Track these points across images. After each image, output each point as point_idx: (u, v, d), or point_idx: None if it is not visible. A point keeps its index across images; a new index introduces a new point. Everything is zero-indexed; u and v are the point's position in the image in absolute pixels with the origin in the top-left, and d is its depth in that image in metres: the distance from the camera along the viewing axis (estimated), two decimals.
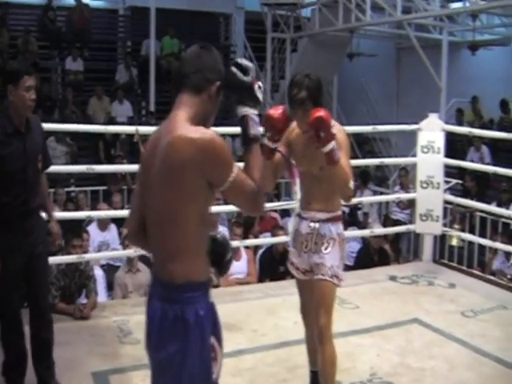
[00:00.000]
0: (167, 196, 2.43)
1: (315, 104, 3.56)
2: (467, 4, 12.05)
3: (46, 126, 9.62)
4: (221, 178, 2.41)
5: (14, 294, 4.07)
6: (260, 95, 2.56)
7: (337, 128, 3.59)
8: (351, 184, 3.53)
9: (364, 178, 11.10)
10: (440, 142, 7.14)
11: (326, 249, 3.77)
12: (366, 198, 9.95)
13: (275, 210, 8.99)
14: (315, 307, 3.82)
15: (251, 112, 2.55)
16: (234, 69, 2.55)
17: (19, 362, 4.14)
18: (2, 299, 4.01)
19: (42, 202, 4.24)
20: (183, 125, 2.45)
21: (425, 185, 7.18)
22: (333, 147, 3.41)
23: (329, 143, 3.40)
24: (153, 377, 2.59)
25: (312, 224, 3.81)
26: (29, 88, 3.91)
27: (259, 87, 2.56)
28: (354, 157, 15.35)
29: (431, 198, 7.15)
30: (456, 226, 8.13)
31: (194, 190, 2.42)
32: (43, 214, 4.37)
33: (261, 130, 2.63)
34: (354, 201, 9.90)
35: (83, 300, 5.90)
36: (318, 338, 3.80)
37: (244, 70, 2.55)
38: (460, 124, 12.67)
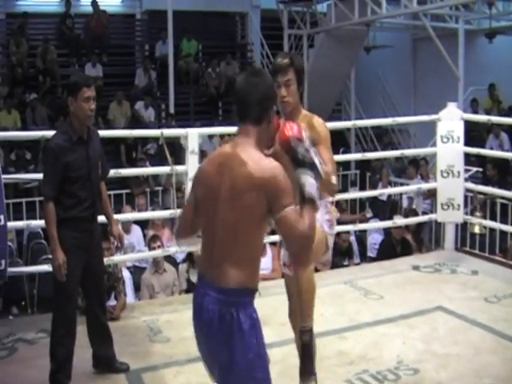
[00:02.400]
0: (238, 216, 2.70)
1: (298, 81, 3.56)
2: None
3: None
4: (280, 205, 2.65)
5: (75, 287, 4.36)
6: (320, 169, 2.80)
7: (317, 122, 3.61)
8: (333, 179, 3.42)
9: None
10: (459, 131, 7.18)
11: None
12: (383, 190, 9.99)
13: None
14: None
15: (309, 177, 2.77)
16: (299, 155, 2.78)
17: (65, 364, 4.35)
18: (66, 294, 4.29)
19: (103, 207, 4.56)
20: (253, 154, 2.72)
21: (445, 174, 7.21)
22: None
23: None
24: (220, 378, 2.81)
25: None
26: (88, 99, 4.15)
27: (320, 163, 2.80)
28: (374, 149, 15.44)
29: (452, 186, 7.19)
30: (478, 214, 8.15)
31: (261, 213, 2.70)
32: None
33: (316, 192, 2.78)
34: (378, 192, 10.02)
35: (112, 302, 6.00)
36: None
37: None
38: (475, 113, 12.63)
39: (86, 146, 4.25)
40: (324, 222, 3.70)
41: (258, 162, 2.68)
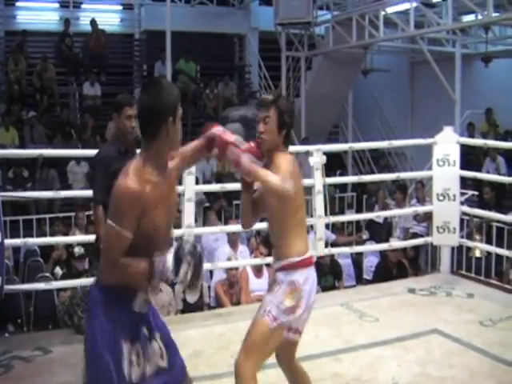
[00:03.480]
0: None
1: (279, 121, 3.44)
2: (479, 16, 12.12)
3: (68, 152, 9.83)
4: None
5: None
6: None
7: (278, 158, 3.42)
8: (274, 179, 3.22)
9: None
10: (455, 154, 7.23)
11: (272, 290, 3.53)
12: (379, 213, 10.02)
13: None
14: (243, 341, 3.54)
15: None
16: None
17: None
18: None
19: None
20: (127, 169, 2.87)
21: (441, 197, 7.26)
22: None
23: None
24: None
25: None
26: (129, 117, 4.56)
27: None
28: (370, 172, 15.49)
29: (448, 210, 7.23)
30: (477, 237, 8.19)
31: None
32: None
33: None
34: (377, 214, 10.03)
35: None
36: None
37: None
38: (471, 137, 12.68)
39: (129, 158, 4.34)
40: (275, 307, 3.44)
41: (121, 177, 2.78)
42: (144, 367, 2.86)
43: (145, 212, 2.75)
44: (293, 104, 3.58)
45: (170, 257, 2.77)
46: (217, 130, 3.26)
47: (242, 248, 8.51)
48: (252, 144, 3.37)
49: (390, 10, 13.30)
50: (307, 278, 3.48)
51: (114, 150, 4.64)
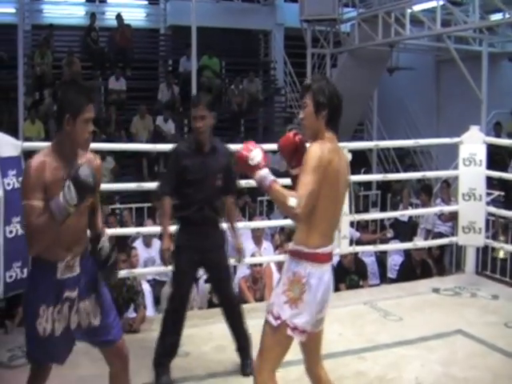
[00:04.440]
0: None
1: (314, 102, 3.37)
2: (507, 15, 12.01)
3: (94, 145, 9.83)
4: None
5: (184, 282, 4.79)
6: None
7: (309, 148, 3.36)
8: (291, 202, 3.19)
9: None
10: (482, 154, 7.18)
11: (277, 282, 3.51)
12: (404, 212, 9.97)
13: None
14: None
15: None
16: None
17: (170, 351, 4.77)
18: (174, 283, 4.82)
19: (223, 217, 4.98)
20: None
21: (467, 197, 7.21)
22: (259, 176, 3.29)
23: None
24: None
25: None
26: (195, 118, 4.65)
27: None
28: (395, 170, 15.44)
29: (473, 210, 7.18)
30: (501, 238, 8.13)
31: None
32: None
33: None
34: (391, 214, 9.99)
35: (131, 314, 6.04)
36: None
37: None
38: (498, 137, 12.58)
39: (205, 156, 4.72)
40: (276, 303, 3.38)
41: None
42: (67, 322, 3.36)
43: (47, 188, 3.17)
44: (329, 84, 3.41)
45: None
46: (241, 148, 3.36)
47: (266, 244, 8.52)
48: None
49: (417, 7, 13.22)
50: (313, 273, 3.32)
51: (185, 146, 4.82)
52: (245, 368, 4.77)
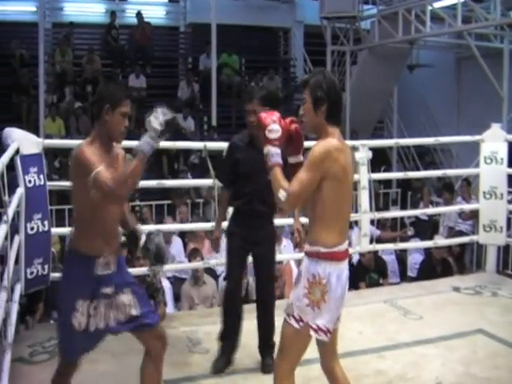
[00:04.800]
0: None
1: (313, 97, 3.34)
2: None
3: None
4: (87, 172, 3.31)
5: (235, 267, 4.93)
6: None
7: (314, 146, 3.31)
8: (281, 194, 3.23)
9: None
10: (503, 152, 7.12)
11: (296, 282, 3.45)
12: (425, 210, 9.92)
13: None
14: None
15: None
16: None
17: (232, 334, 4.90)
18: (227, 268, 5.05)
19: (275, 212, 5.00)
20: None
21: (488, 195, 7.16)
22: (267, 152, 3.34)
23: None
24: None
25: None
26: (248, 112, 4.72)
27: None
28: (415, 168, 15.36)
29: (494, 208, 7.12)
30: None
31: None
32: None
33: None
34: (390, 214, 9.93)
35: None
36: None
37: None
38: None
39: (257, 150, 4.51)
40: (297, 306, 3.34)
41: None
42: (106, 318, 3.48)
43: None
44: (327, 78, 3.37)
45: None
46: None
47: (286, 242, 8.51)
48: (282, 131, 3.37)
49: (437, 4, 13.16)
50: (332, 272, 3.29)
51: (239, 140, 4.94)
52: (266, 367, 4.78)
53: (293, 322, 3.34)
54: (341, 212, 3.35)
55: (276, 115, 3.37)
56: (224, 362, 4.84)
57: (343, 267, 3.37)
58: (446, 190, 10.42)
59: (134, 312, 3.54)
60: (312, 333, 3.33)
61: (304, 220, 4.97)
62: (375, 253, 8.17)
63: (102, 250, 3.42)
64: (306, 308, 3.31)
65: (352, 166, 3.43)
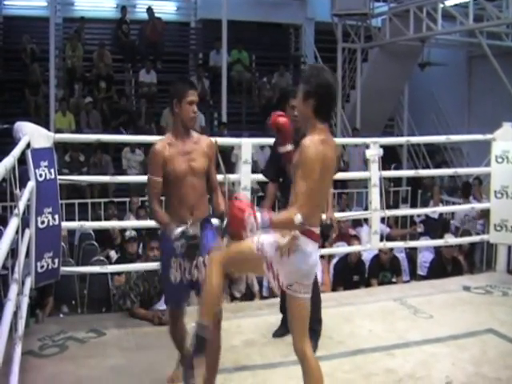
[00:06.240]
0: None
1: (303, 90, 3.48)
2: None
3: (124, 137, 9.91)
4: None
5: None
6: None
7: (303, 144, 3.41)
8: (297, 220, 3.29)
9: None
10: None
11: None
12: (435, 208, 9.90)
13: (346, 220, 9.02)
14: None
15: None
16: None
17: None
18: None
19: None
20: None
21: (499, 195, 7.12)
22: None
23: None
24: None
25: None
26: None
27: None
28: (426, 166, 15.32)
29: (506, 207, 7.07)
30: None
31: None
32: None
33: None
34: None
35: (162, 306, 6.04)
36: None
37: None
38: None
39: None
40: (267, 244, 3.55)
41: None
42: (191, 273, 4.10)
43: (165, 162, 4.05)
44: (320, 74, 3.47)
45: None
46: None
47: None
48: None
49: (449, 2, 13.13)
50: (304, 243, 3.48)
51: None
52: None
53: (255, 242, 3.53)
54: (318, 203, 3.54)
55: (238, 204, 3.41)
56: (284, 330, 5.01)
57: (314, 248, 3.55)
58: (463, 188, 10.40)
59: None
60: (264, 267, 3.56)
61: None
62: (390, 250, 8.14)
63: (186, 219, 4.02)
64: (272, 248, 3.51)
65: (335, 159, 3.56)
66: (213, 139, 6.36)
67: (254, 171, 6.20)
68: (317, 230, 3.53)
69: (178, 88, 4.11)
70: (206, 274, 3.72)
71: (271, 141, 5.39)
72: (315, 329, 4.93)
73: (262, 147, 11.95)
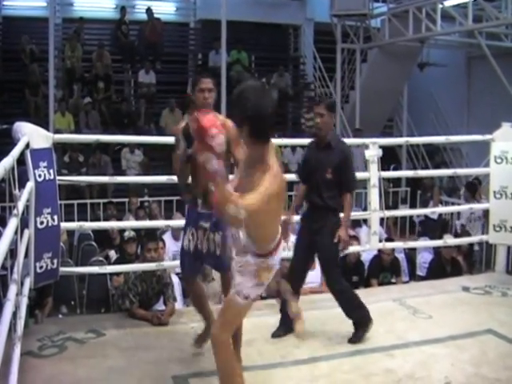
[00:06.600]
0: None
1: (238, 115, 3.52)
2: None
3: (124, 138, 9.91)
4: None
5: (297, 249, 5.56)
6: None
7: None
8: (230, 208, 3.16)
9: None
10: None
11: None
12: (434, 209, 9.89)
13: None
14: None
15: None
16: None
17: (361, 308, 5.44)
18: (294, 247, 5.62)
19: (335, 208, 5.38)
20: None
21: (498, 195, 7.12)
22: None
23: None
24: None
25: None
26: (316, 114, 5.28)
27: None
28: (425, 167, 15.32)
29: (505, 208, 7.07)
30: None
31: None
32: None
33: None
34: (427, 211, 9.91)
35: (160, 306, 6.05)
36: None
37: None
38: None
39: (320, 151, 5.38)
40: (246, 288, 3.66)
41: None
42: (202, 245, 4.55)
43: None
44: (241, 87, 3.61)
45: None
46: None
47: (294, 238, 8.46)
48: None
49: (448, 3, 13.13)
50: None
51: (311, 141, 5.60)
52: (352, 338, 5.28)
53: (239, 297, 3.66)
54: (274, 223, 3.69)
55: (209, 115, 3.51)
56: (283, 330, 5.29)
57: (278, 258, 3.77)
58: (468, 188, 10.39)
59: (217, 251, 4.53)
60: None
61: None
62: (392, 251, 8.14)
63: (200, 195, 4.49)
64: (255, 286, 3.65)
65: (284, 186, 3.59)
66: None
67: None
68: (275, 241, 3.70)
69: (194, 78, 4.76)
70: (216, 359, 3.84)
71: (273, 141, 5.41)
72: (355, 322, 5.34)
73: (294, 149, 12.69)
